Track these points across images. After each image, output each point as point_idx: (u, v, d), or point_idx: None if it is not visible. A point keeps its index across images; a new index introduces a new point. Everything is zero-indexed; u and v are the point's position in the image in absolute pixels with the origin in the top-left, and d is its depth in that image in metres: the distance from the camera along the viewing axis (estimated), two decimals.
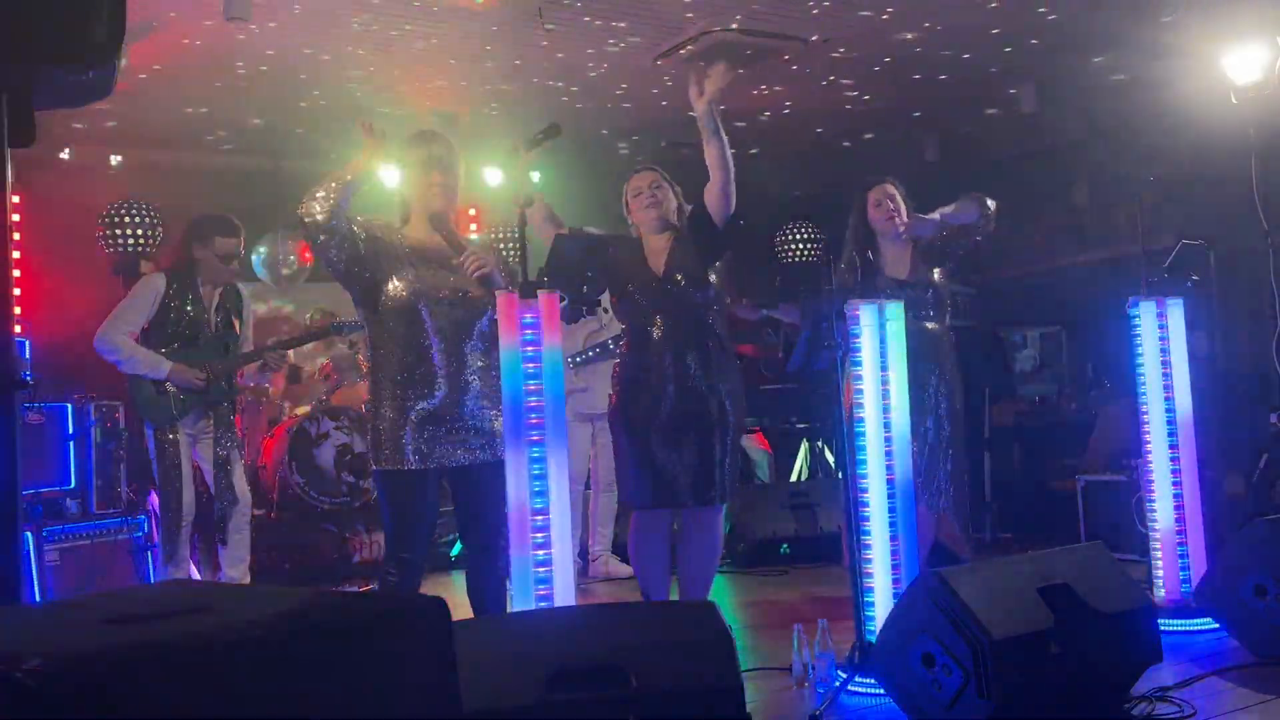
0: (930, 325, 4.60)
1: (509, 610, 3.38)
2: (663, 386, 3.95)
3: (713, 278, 4.05)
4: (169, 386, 4.89)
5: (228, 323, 5.10)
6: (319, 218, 3.23)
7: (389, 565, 3.39)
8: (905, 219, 4.60)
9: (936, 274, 4.66)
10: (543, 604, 3.14)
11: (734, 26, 5.71)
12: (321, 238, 3.26)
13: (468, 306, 3.40)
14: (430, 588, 4.71)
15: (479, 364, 3.41)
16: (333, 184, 3.26)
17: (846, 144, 7.88)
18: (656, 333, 3.99)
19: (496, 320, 3.40)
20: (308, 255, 7.84)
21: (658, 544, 4.11)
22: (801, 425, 7.35)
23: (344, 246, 3.30)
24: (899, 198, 4.67)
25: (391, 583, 3.35)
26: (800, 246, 8.43)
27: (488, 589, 3.45)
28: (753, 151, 7.88)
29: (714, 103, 3.91)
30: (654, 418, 3.95)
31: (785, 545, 6.01)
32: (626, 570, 5.91)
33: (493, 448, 3.41)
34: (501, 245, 7.59)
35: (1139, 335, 4.38)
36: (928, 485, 4.52)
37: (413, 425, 3.32)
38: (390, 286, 3.34)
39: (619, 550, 6.02)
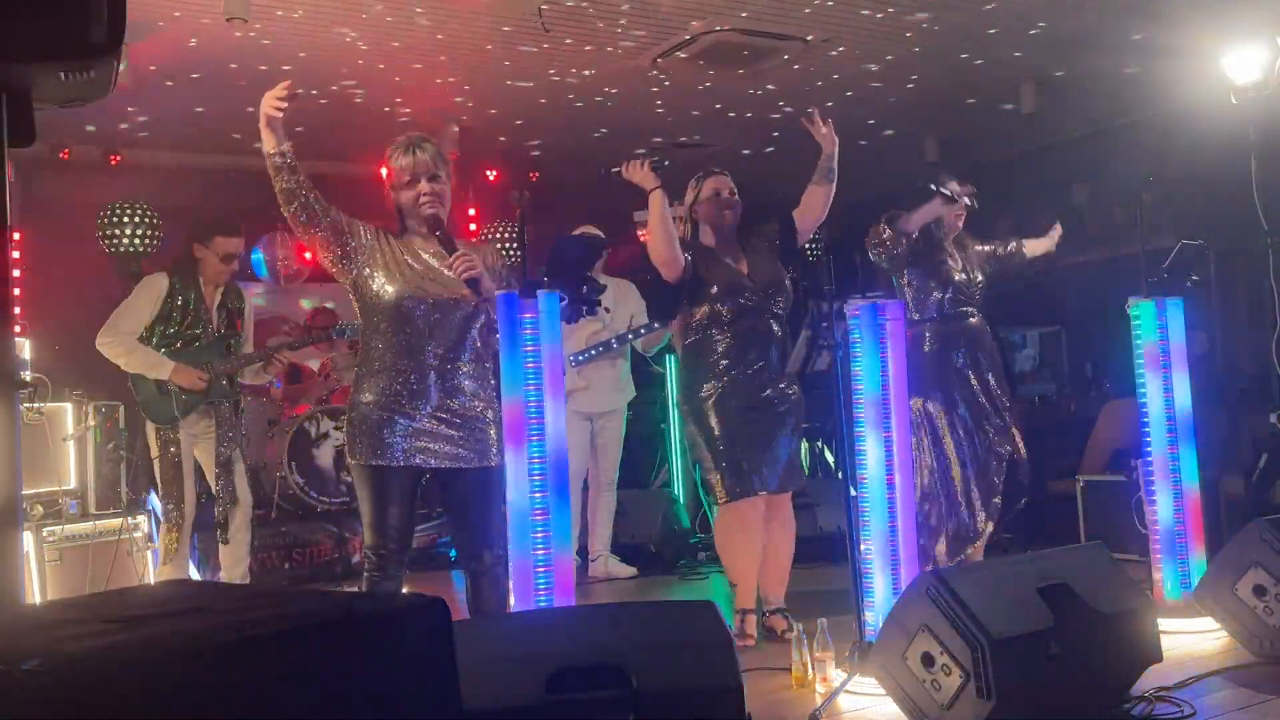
0: (973, 320, 4.81)
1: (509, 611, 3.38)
2: (752, 382, 4.16)
3: (787, 282, 4.31)
4: (171, 386, 4.90)
5: (230, 323, 5.11)
6: (273, 170, 3.25)
7: (372, 566, 3.33)
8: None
9: (979, 274, 4.89)
10: (542, 604, 3.14)
11: (734, 26, 5.71)
12: (294, 206, 3.26)
13: (459, 312, 3.39)
14: (430, 588, 4.71)
15: (466, 370, 3.40)
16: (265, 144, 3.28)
17: (846, 144, 7.87)
18: (741, 332, 4.19)
19: (488, 328, 3.42)
20: (307, 256, 7.86)
21: (756, 534, 4.24)
22: (802, 425, 7.33)
23: (311, 208, 3.28)
24: None
25: (375, 580, 3.31)
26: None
27: (486, 610, 3.39)
28: (745, 152, 7.89)
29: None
30: (749, 413, 4.14)
31: None
32: (627, 570, 5.90)
33: (483, 455, 3.37)
34: (501, 244, 7.67)
35: (1139, 335, 4.38)
36: (982, 475, 4.65)
37: (395, 423, 3.29)
38: (383, 287, 3.33)
39: (619, 550, 6.02)
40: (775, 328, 4.25)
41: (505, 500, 3.29)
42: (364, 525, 3.41)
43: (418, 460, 3.31)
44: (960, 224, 4.91)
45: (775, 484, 4.20)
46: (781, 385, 4.23)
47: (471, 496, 3.39)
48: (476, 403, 3.39)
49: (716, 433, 4.15)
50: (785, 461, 4.22)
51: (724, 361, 4.18)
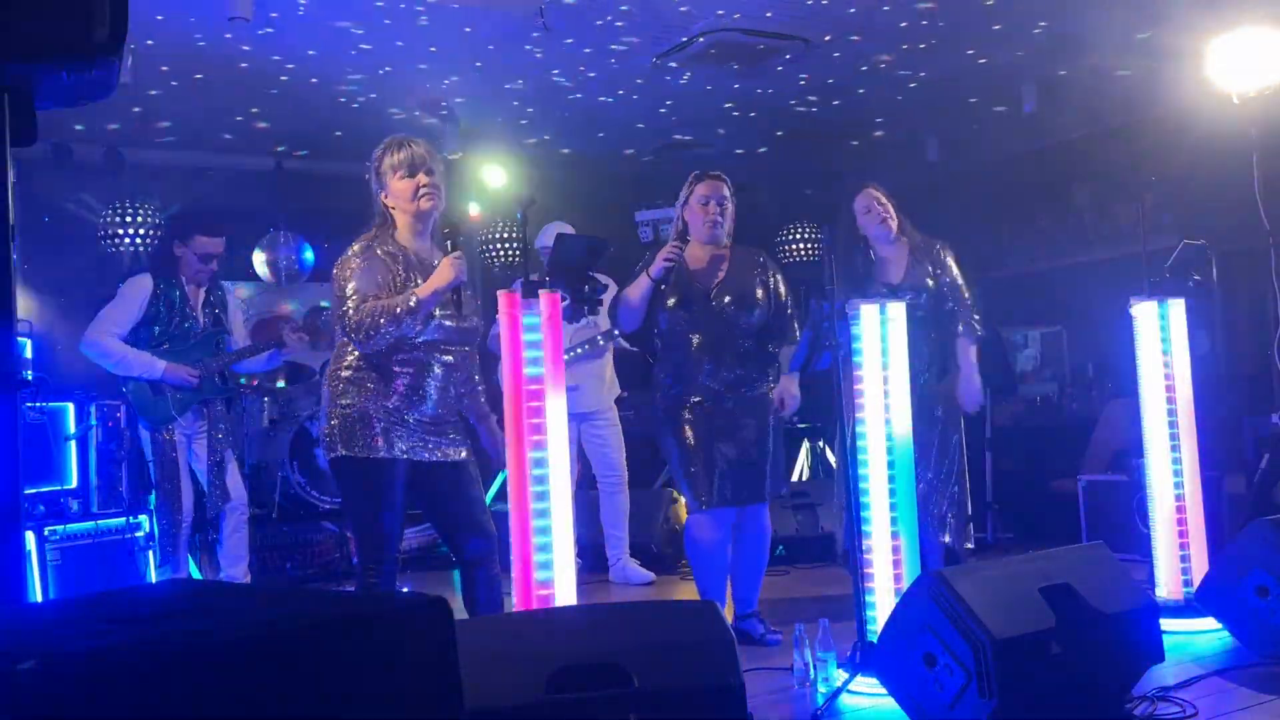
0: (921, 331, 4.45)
1: (508, 611, 3.38)
2: (725, 393, 4.11)
3: (759, 293, 4.19)
4: (165, 386, 4.89)
5: (216, 320, 5.12)
6: (377, 345, 3.24)
7: (367, 573, 3.29)
8: (895, 221, 4.60)
9: (930, 281, 4.56)
10: (543, 602, 3.14)
11: (734, 26, 5.71)
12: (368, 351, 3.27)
13: (457, 313, 3.40)
14: (430, 588, 4.70)
15: (460, 372, 3.41)
16: (396, 315, 3.20)
17: (847, 143, 7.87)
18: (708, 342, 4.12)
19: (481, 332, 3.46)
20: (308, 256, 7.85)
21: (722, 545, 4.16)
22: (801, 425, 7.34)
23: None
24: (886, 201, 4.63)
25: (373, 585, 3.28)
26: (800, 246, 8.43)
27: (481, 601, 3.42)
28: (762, 150, 7.88)
29: None
30: (713, 422, 4.08)
31: (781, 547, 5.99)
32: (645, 575, 5.82)
33: (462, 450, 3.41)
34: (502, 244, 7.65)
35: (1140, 335, 4.38)
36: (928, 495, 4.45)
37: (380, 418, 3.27)
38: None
39: (636, 553, 5.95)
40: (741, 340, 4.17)
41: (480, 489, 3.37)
42: (354, 529, 3.41)
43: (404, 454, 3.30)
44: (886, 227, 4.55)
45: (744, 495, 4.13)
46: (758, 392, 4.17)
47: (451, 492, 3.40)
48: (460, 405, 3.44)
49: (689, 442, 4.10)
50: (754, 472, 4.14)
51: (693, 371, 4.13)
